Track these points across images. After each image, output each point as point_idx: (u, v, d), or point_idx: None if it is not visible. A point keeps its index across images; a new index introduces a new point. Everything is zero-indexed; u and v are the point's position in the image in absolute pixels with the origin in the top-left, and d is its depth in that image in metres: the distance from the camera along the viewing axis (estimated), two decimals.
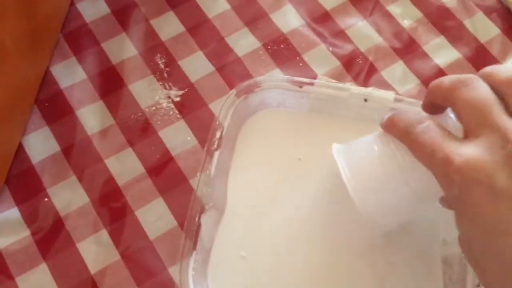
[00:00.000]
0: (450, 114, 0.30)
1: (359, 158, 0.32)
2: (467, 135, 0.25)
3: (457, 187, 0.24)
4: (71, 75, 0.43)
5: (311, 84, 0.38)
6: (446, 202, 0.30)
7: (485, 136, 0.24)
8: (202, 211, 0.35)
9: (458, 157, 0.24)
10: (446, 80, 0.27)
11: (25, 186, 0.39)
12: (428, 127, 0.27)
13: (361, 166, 0.31)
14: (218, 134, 0.37)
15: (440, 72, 0.43)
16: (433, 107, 0.30)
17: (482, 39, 0.45)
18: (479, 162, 0.23)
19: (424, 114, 0.30)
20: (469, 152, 0.24)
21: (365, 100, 0.38)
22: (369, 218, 0.31)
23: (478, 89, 0.25)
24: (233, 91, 0.38)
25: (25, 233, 0.37)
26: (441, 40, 0.45)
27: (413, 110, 0.35)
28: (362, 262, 0.35)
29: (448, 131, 0.26)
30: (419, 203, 0.31)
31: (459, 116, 0.26)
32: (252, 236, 0.36)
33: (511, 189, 0.23)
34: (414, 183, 0.29)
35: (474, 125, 0.25)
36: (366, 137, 0.32)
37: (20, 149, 0.40)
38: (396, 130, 0.29)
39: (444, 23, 0.45)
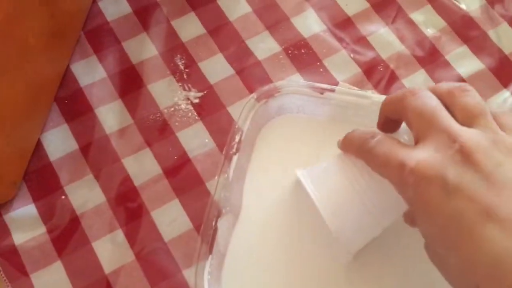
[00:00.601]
0: (403, 133, 0.31)
1: (325, 181, 0.32)
2: (417, 141, 0.27)
3: (411, 188, 0.25)
4: (91, 74, 0.43)
5: (332, 90, 0.38)
6: (408, 217, 0.31)
7: (433, 138, 0.26)
8: (219, 215, 0.35)
9: (410, 160, 0.25)
10: (397, 92, 0.29)
11: (42, 183, 0.39)
12: (381, 140, 0.28)
13: (327, 190, 0.32)
14: (237, 138, 0.37)
15: (462, 82, 0.43)
16: (387, 124, 0.31)
17: (506, 50, 0.44)
18: (429, 162, 0.25)
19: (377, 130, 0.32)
20: (420, 154, 0.26)
21: None
22: (342, 240, 0.32)
23: (425, 97, 0.27)
24: (253, 95, 0.38)
25: (41, 230, 0.38)
26: (464, 49, 0.44)
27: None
28: (381, 267, 0.35)
29: (400, 141, 0.28)
30: (384, 220, 0.31)
31: (409, 124, 0.28)
32: (266, 241, 0.36)
33: (461, 184, 0.24)
34: (376, 200, 0.30)
35: (422, 130, 0.27)
36: (330, 159, 0.33)
37: (38, 145, 0.40)
38: (352, 147, 0.31)
39: (468, 32, 0.45)
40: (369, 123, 0.39)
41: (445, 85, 0.28)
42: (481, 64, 0.44)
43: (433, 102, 0.27)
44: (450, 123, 0.26)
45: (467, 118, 0.27)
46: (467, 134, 0.25)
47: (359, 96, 0.38)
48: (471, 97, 0.27)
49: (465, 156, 0.25)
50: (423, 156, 0.25)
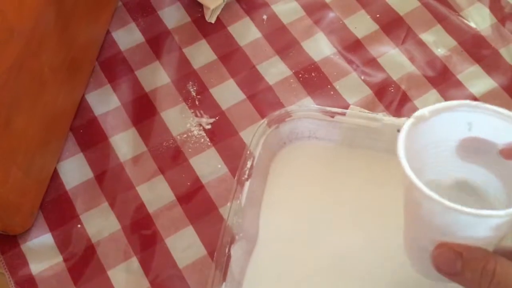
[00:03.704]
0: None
1: None
2: None
3: None
4: (105, 103, 0.44)
5: (343, 114, 0.38)
6: None
7: None
8: (232, 241, 0.34)
9: None
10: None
11: (59, 212, 0.40)
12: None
13: None
14: (249, 164, 0.37)
15: None
16: None
17: None
18: None
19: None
20: None
21: (398, 130, 0.37)
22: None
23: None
24: (264, 121, 0.38)
25: (58, 259, 0.38)
26: (476, 68, 0.44)
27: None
28: None
29: None
30: None
31: None
32: (283, 269, 0.36)
33: None
34: None
35: None
36: None
37: (55, 175, 0.41)
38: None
39: (479, 51, 0.45)
40: (382, 146, 0.39)
41: None
42: (493, 82, 0.43)
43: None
44: None
45: None
46: None
47: (370, 119, 0.38)
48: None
49: None
50: None
